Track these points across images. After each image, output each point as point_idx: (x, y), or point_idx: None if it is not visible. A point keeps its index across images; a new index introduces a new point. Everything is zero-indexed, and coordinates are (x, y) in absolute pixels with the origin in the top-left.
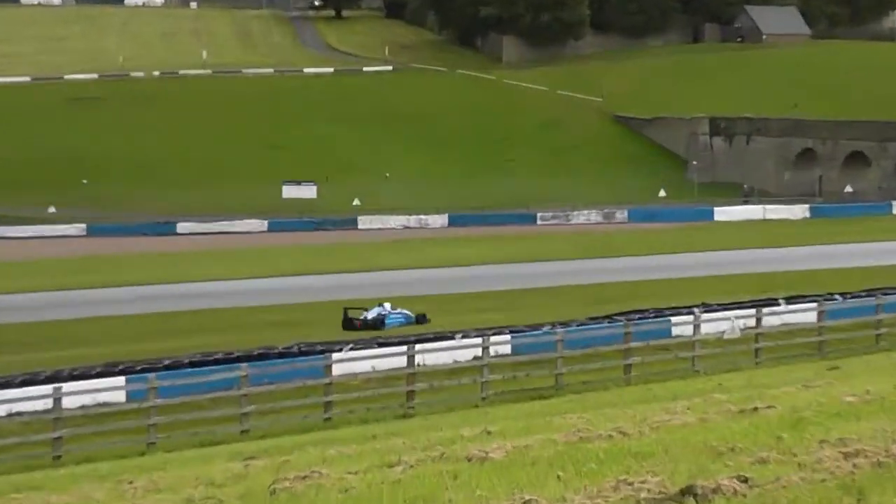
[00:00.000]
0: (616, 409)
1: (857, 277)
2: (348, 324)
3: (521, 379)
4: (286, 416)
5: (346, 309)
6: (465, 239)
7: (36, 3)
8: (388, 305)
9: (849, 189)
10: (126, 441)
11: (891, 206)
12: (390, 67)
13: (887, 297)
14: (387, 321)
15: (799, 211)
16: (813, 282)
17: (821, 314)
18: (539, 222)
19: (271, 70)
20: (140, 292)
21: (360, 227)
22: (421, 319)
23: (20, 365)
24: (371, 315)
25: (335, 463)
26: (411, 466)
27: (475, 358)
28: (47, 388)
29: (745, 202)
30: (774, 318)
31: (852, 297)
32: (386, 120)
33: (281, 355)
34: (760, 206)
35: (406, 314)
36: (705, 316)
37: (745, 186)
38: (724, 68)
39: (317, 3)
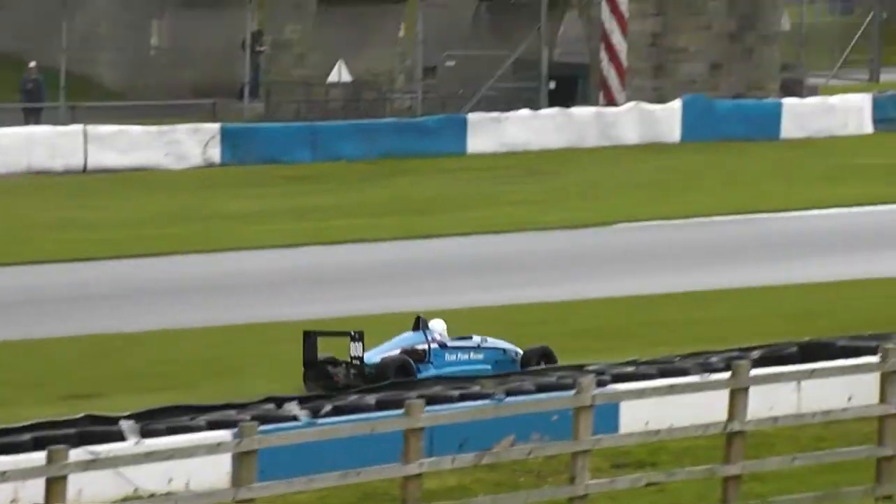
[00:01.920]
0: None
1: None
2: (319, 372)
3: None
4: None
5: (309, 335)
6: None
7: None
8: (438, 327)
9: None
10: None
11: None
12: None
13: None
14: (439, 365)
15: None
16: None
17: None
18: None
19: None
20: None
21: None
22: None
23: None
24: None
25: None
26: None
27: None
28: None
29: None
30: None
31: None
32: None
33: None
34: None
35: (501, 351)
36: None
37: None
38: None
39: None
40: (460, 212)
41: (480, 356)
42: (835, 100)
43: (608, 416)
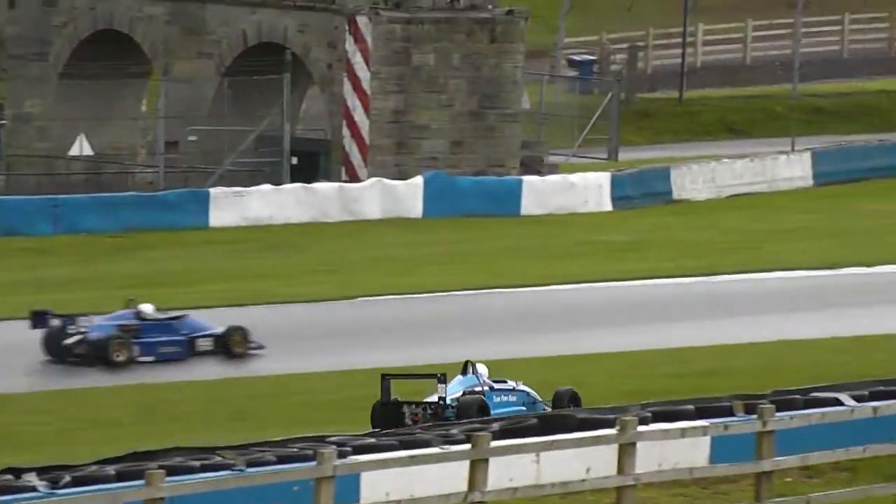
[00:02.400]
0: None
1: None
2: (391, 413)
3: None
4: None
5: (386, 377)
6: None
7: None
8: (483, 371)
9: None
10: None
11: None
12: None
13: None
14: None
15: None
16: None
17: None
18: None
19: None
20: None
21: None
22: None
23: None
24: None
25: None
26: None
27: None
28: None
29: None
30: None
31: None
32: None
33: None
34: None
35: (525, 394)
36: None
37: None
38: None
39: None
40: (202, 285)
41: (515, 398)
42: (575, 177)
43: (349, 487)
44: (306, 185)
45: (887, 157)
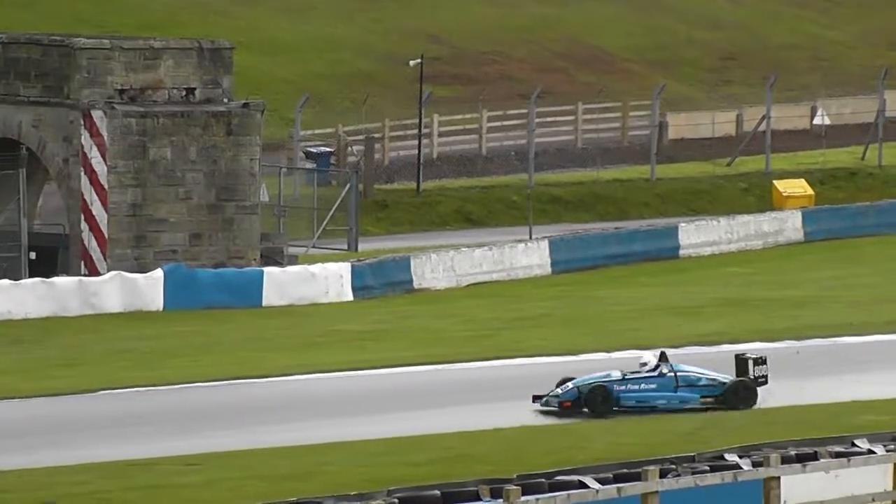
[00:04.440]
0: None
1: None
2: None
3: None
4: None
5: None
6: None
7: None
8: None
9: None
10: None
11: None
12: None
13: None
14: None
15: None
16: None
17: None
18: None
19: None
20: None
21: None
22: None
23: None
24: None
25: None
26: None
27: None
28: None
29: None
30: None
31: None
32: None
33: None
34: None
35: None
36: None
37: None
38: None
39: None
40: None
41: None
42: (315, 268)
43: None
44: (45, 279)
45: (622, 245)
